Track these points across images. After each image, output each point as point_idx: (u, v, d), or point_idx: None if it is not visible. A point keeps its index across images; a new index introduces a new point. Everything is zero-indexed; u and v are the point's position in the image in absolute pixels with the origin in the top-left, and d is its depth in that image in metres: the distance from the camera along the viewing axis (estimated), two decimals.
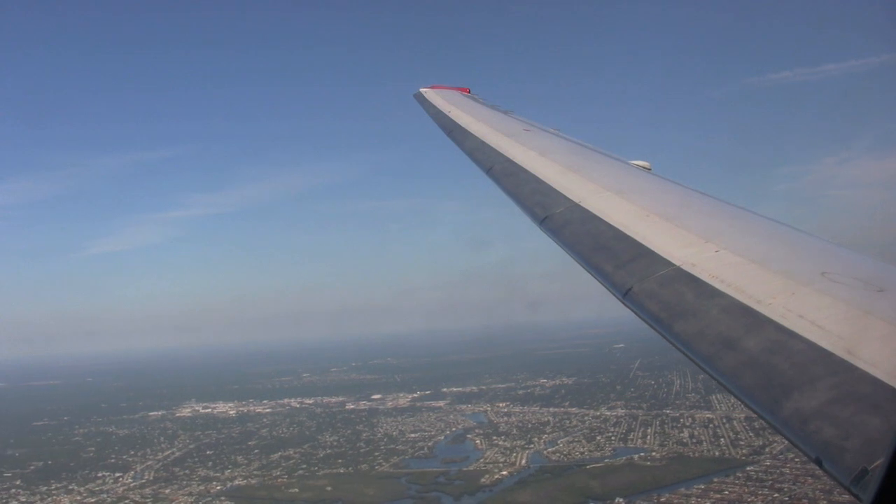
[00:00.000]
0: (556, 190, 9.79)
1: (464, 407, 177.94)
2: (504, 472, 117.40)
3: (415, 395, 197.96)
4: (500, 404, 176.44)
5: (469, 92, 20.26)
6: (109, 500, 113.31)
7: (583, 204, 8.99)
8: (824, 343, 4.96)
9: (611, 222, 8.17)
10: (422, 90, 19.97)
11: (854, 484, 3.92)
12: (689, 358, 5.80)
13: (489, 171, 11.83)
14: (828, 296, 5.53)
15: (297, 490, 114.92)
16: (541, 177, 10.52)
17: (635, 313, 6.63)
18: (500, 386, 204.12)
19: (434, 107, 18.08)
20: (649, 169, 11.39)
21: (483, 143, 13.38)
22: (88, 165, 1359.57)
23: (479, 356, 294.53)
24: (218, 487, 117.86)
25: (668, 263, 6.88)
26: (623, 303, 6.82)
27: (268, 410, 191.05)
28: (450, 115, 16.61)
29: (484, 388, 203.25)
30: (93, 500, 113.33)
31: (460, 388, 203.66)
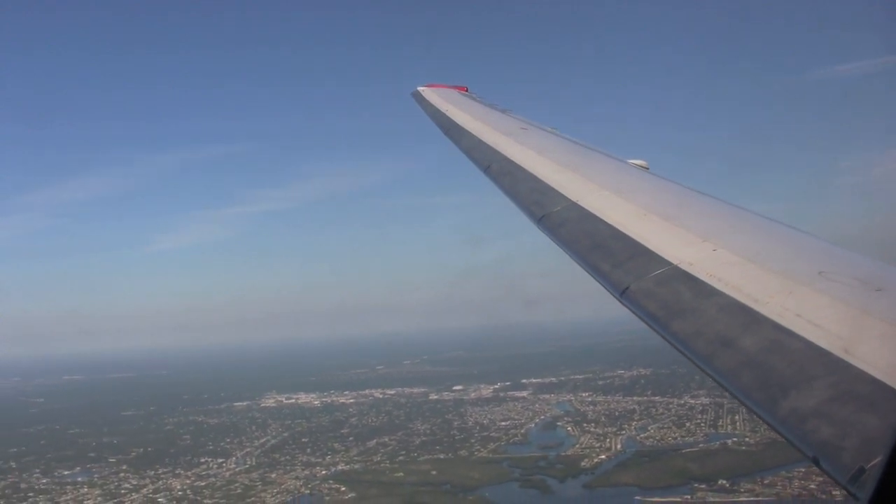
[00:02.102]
0: (553, 188, 9.97)
1: (547, 397, 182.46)
2: (602, 456, 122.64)
3: (496, 385, 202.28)
4: (583, 394, 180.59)
5: (467, 90, 20.52)
6: (219, 483, 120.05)
7: (580, 203, 9.18)
8: (822, 342, 5.05)
9: (608, 221, 8.35)
10: (419, 89, 20.27)
11: (851, 483, 3.98)
12: (687, 357, 5.90)
13: (486, 170, 12.04)
14: (825, 295, 5.64)
15: (402, 474, 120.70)
16: (538, 175, 10.71)
17: (633, 312, 6.78)
18: (578, 377, 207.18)
19: (431, 105, 18.31)
20: (647, 168, 11.58)
21: (480, 142, 13.62)
22: (150, 162, 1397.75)
23: (545, 349, 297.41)
24: (323, 472, 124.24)
25: (665, 262, 7.04)
26: (620, 301, 6.98)
27: (351, 401, 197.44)
28: (447, 113, 16.88)
29: (563, 378, 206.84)
30: (203, 484, 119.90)
31: (539, 380, 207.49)
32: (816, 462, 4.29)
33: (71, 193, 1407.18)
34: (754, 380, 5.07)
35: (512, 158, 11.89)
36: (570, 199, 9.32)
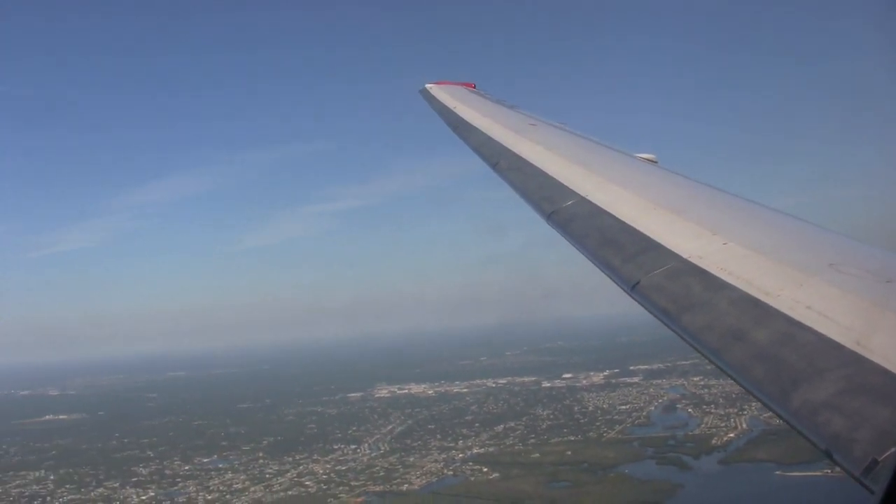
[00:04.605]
0: (562, 184, 10.11)
1: (659, 382, 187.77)
2: (731, 435, 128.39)
3: (605, 373, 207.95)
4: (694, 378, 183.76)
5: (475, 87, 20.55)
6: (359, 467, 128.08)
7: (590, 198, 9.30)
8: (833, 334, 5.09)
9: (618, 216, 8.48)
10: (427, 86, 20.36)
11: (865, 475, 3.99)
12: (698, 350, 5.96)
13: (495, 167, 12.15)
14: (836, 287, 5.69)
15: (538, 455, 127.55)
16: (547, 171, 10.84)
17: (643, 306, 6.86)
18: (684, 362, 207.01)
19: (439, 102, 18.45)
20: (656, 162, 11.73)
21: (489, 139, 13.73)
22: (237, 162, 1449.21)
23: (640, 339, 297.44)
24: (460, 455, 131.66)
25: (675, 256, 7.14)
26: (631, 296, 7.08)
27: (465, 390, 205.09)
28: (455, 110, 17.02)
29: (670, 364, 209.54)
30: (344, 468, 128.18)
31: (647, 366, 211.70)
32: (829, 455, 4.30)
33: (159, 195, 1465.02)
34: (766, 373, 5.15)
35: (520, 154, 12.11)
36: (579, 195, 9.52)
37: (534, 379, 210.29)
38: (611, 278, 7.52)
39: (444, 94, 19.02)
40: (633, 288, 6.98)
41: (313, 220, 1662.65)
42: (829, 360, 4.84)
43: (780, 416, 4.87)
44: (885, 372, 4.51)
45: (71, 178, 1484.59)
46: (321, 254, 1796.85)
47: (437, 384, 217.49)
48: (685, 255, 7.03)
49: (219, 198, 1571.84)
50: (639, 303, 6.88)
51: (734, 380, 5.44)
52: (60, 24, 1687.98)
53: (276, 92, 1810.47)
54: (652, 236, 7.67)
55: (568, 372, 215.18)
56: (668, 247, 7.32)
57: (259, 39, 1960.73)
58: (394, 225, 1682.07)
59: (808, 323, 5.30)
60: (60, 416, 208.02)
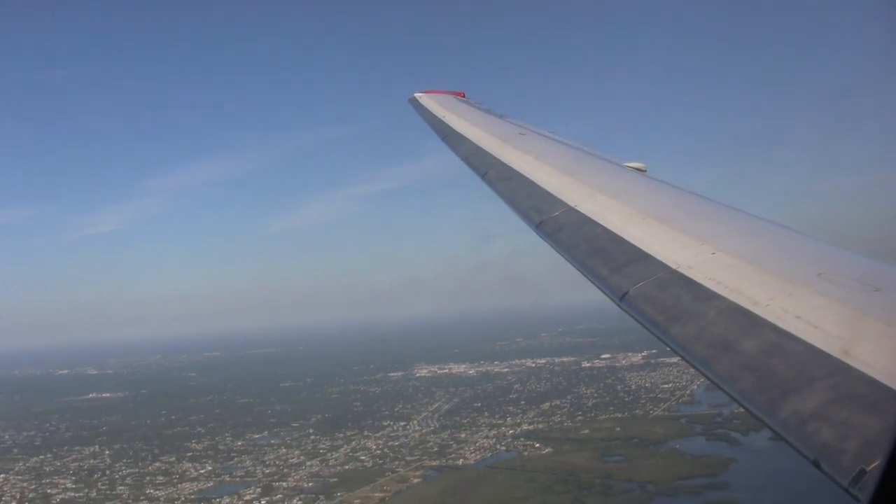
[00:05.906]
0: (551, 194, 10.20)
1: None
2: None
3: (643, 353, 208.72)
4: None
5: (464, 96, 20.72)
6: (412, 443, 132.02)
7: (578, 207, 9.39)
8: (821, 344, 5.17)
9: (606, 225, 8.60)
10: (416, 95, 20.39)
11: (852, 485, 4.05)
12: (687, 361, 6.08)
13: (484, 176, 12.23)
14: (824, 297, 5.79)
15: (588, 431, 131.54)
16: (536, 181, 10.94)
17: (632, 317, 6.94)
18: None
19: (428, 111, 18.49)
20: (644, 171, 11.86)
21: (478, 148, 13.85)
22: (273, 144, 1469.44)
23: None
24: (510, 432, 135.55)
25: (664, 266, 7.24)
26: (620, 306, 7.15)
27: (506, 370, 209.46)
28: (444, 119, 17.10)
29: None
30: (397, 444, 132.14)
31: None
32: (817, 464, 4.36)
33: (190, 178, 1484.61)
34: (754, 383, 5.22)
35: (509, 164, 12.21)
36: (567, 204, 9.58)
37: (573, 359, 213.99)
38: (599, 288, 7.67)
39: (433, 102, 19.22)
40: (621, 298, 7.14)
41: (317, 212, 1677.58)
42: (819, 371, 4.96)
43: (769, 427, 4.98)
44: (873, 381, 4.64)
45: (105, 161, 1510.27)
46: (355, 237, 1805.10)
47: (477, 364, 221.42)
48: (674, 265, 7.19)
49: (251, 181, 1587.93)
50: (627, 313, 7.03)
51: (723, 390, 5.59)
52: (92, 8, 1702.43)
53: (307, 76, 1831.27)
54: (640, 246, 7.82)
55: (606, 352, 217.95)
56: (657, 257, 7.48)
57: (289, 23, 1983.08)
58: (393, 216, 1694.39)
59: (797, 333, 5.44)
60: (104, 395, 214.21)
